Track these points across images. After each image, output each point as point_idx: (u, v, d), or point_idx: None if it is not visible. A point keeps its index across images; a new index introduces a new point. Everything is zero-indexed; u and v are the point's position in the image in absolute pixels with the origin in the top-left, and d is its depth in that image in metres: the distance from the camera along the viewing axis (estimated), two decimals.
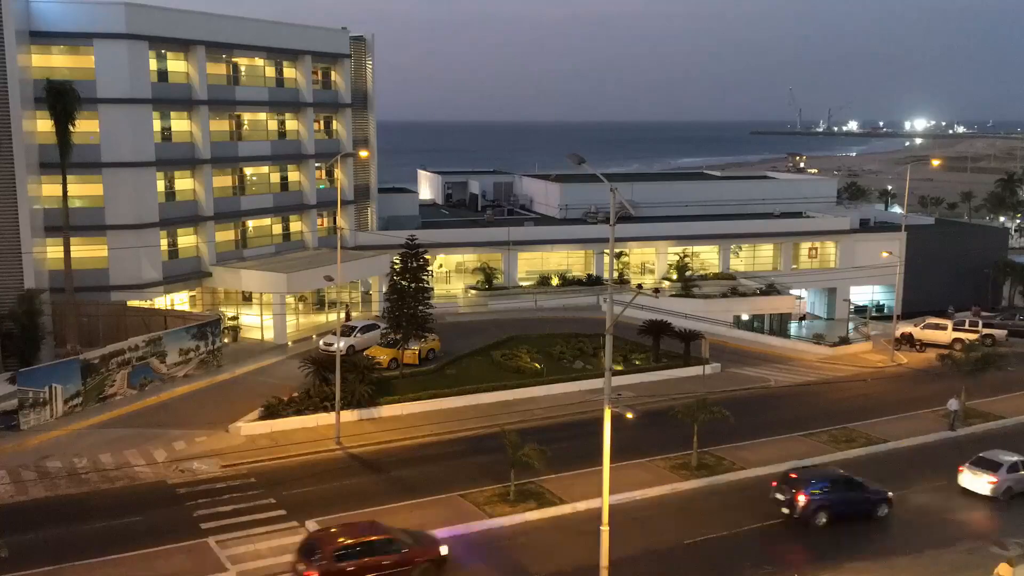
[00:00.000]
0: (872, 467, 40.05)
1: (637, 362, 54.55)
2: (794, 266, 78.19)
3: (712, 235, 76.76)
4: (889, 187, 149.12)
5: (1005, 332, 64.87)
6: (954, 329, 63.80)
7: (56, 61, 51.50)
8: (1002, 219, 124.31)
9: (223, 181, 60.29)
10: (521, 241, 72.59)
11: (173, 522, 32.37)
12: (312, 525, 32.20)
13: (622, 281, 72.92)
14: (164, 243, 55.41)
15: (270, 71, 63.42)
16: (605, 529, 27.95)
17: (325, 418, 42.40)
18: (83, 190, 52.13)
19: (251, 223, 62.71)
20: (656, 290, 69.51)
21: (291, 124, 65.33)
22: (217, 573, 28.83)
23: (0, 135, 47.20)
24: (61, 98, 46.59)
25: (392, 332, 49.79)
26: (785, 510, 33.99)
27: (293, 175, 65.62)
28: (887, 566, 30.99)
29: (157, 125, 55.17)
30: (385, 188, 79.57)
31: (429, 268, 50.86)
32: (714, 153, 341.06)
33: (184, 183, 57.65)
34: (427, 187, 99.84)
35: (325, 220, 67.80)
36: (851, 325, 72.39)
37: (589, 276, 73.55)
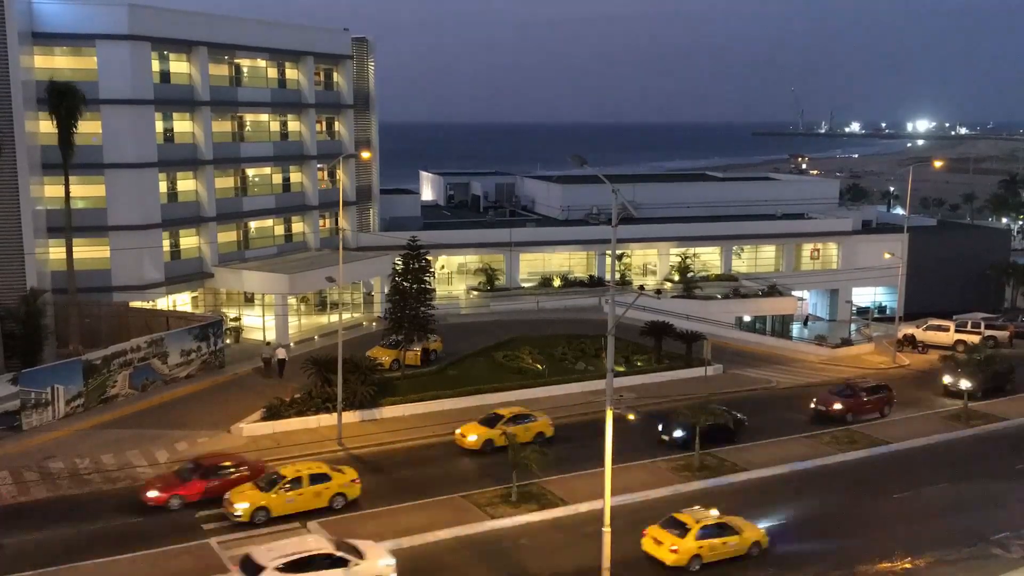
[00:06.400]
0: (875, 469, 40.10)
1: (639, 363, 54.51)
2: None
3: (714, 236, 76.77)
4: (891, 188, 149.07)
5: (1008, 334, 64.77)
6: (956, 331, 63.79)
7: (59, 62, 51.54)
8: (1004, 220, 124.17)
9: (225, 182, 60.29)
10: (523, 242, 72.63)
11: (175, 523, 32.41)
12: (314, 527, 32.21)
13: (624, 282, 72.91)
14: (166, 244, 55.43)
15: (272, 72, 63.46)
16: (607, 530, 27.95)
17: (327, 419, 42.41)
18: (85, 191, 52.12)
19: (253, 224, 62.74)
20: (658, 291, 69.53)
21: (293, 125, 65.34)
22: (219, 574, 28.82)
23: (3, 136, 47.22)
24: (64, 99, 46.63)
25: (394, 333, 49.92)
26: None
27: (295, 176, 65.63)
28: (889, 565, 30.96)
29: (159, 126, 55.18)
30: (387, 189, 79.56)
31: (431, 269, 50.90)
32: (716, 154, 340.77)
33: (186, 184, 57.66)
34: (429, 188, 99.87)
35: (327, 221, 67.82)
36: (853, 326, 72.36)
37: (591, 277, 73.54)
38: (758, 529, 31.82)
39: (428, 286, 50.04)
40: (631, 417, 40.36)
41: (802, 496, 36.93)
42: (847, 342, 65.33)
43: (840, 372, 57.63)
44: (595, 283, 72.50)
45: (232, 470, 34.98)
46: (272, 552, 27.27)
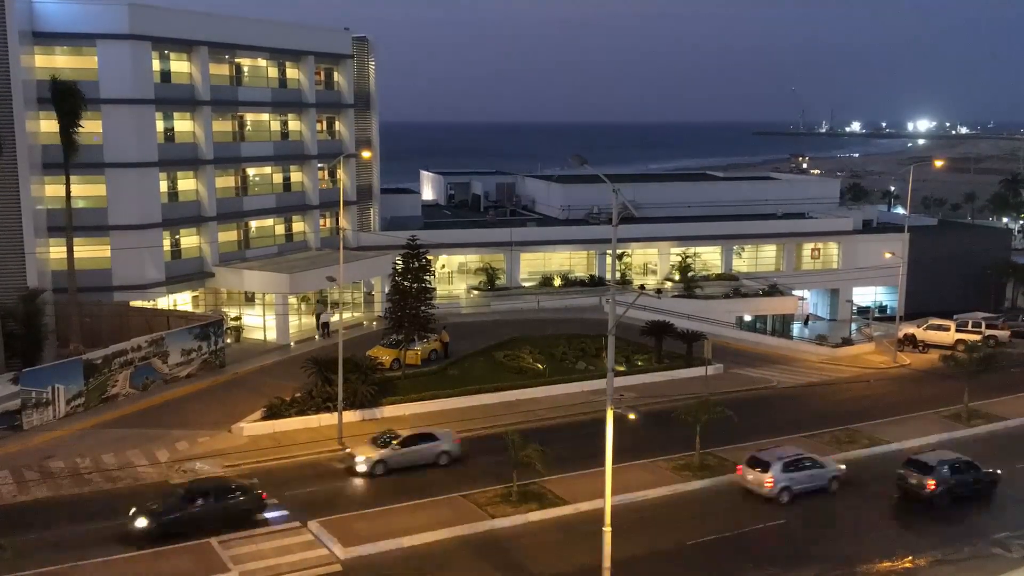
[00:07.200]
0: (875, 468, 40.09)
1: (640, 363, 54.53)
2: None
3: (714, 236, 76.77)
4: (892, 188, 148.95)
5: (1008, 333, 64.81)
6: (957, 330, 63.80)
7: (59, 62, 51.54)
8: (1005, 220, 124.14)
9: (226, 182, 60.31)
10: (523, 242, 72.66)
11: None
12: (315, 526, 32.22)
13: (624, 282, 72.92)
14: (167, 243, 55.46)
15: (272, 72, 63.46)
16: (607, 530, 27.95)
17: (327, 418, 42.42)
18: (86, 190, 52.16)
19: (254, 224, 62.76)
20: (658, 291, 69.48)
21: (294, 125, 65.35)
22: (220, 573, 28.85)
23: (4, 135, 47.24)
24: (66, 98, 46.71)
25: (394, 332, 49.99)
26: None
27: (296, 176, 65.64)
28: (890, 565, 30.97)
29: (160, 125, 55.21)
30: (387, 189, 79.59)
31: (431, 269, 50.90)
32: (716, 154, 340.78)
33: (187, 183, 57.69)
34: (429, 188, 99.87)
35: (327, 221, 67.84)
36: (854, 326, 72.35)
37: (592, 277, 73.56)
38: None
39: (428, 285, 50.07)
40: (632, 417, 40.34)
41: (804, 495, 36.91)
42: (847, 342, 65.31)
43: (840, 371, 57.73)
44: (596, 283, 72.51)
45: None
46: None
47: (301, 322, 59.81)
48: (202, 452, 39.17)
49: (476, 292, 70.77)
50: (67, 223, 47.90)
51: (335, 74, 68.44)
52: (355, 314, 63.02)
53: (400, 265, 49.93)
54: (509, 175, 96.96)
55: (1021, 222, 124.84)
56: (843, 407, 48.97)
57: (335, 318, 53.45)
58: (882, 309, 79.86)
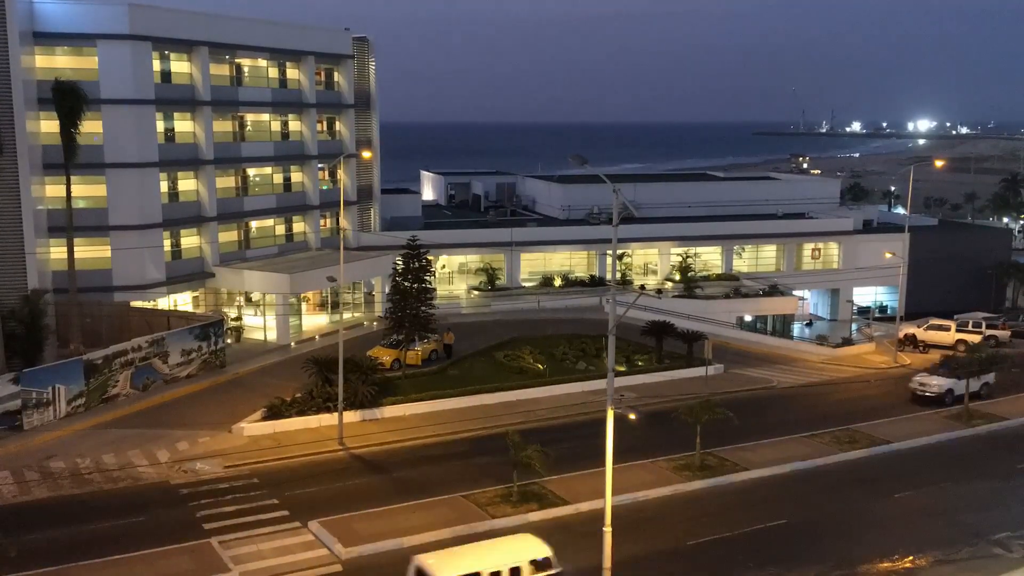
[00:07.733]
0: (875, 468, 40.09)
1: (640, 363, 54.53)
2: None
3: (715, 236, 76.79)
4: (892, 188, 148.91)
5: (1009, 333, 64.84)
6: (957, 330, 63.82)
7: (60, 62, 51.57)
8: (1005, 220, 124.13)
9: (226, 182, 60.34)
10: (524, 242, 72.68)
11: (176, 523, 32.40)
12: (315, 526, 32.23)
13: (625, 282, 72.92)
14: (167, 244, 55.49)
15: (273, 72, 63.48)
16: (608, 530, 27.94)
17: (328, 419, 42.42)
18: (86, 191, 52.18)
19: (254, 224, 62.78)
20: (659, 291, 69.48)
21: (294, 125, 65.36)
22: (220, 574, 28.82)
23: (4, 136, 47.26)
24: (68, 98, 46.73)
25: (394, 332, 50.02)
26: None
27: (296, 176, 65.66)
28: (890, 565, 30.96)
29: (160, 126, 55.23)
30: (388, 189, 79.60)
31: (432, 269, 50.92)
32: (717, 154, 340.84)
33: (187, 184, 57.71)
34: (430, 188, 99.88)
35: (328, 221, 67.86)
36: (854, 326, 72.34)
37: (592, 277, 73.56)
38: None
39: (429, 286, 50.09)
40: (632, 417, 40.34)
41: (804, 495, 36.92)
42: (848, 342, 65.32)
43: (841, 372, 57.74)
44: (596, 283, 72.51)
45: None
46: None
47: (301, 323, 59.76)
48: (202, 452, 39.17)
49: (476, 292, 70.78)
50: (68, 223, 47.92)
51: (335, 74, 68.46)
52: (355, 314, 62.98)
53: (400, 265, 49.96)
54: (509, 175, 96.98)
55: (1021, 222, 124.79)
56: (843, 407, 48.97)
57: (337, 318, 53.45)
58: (882, 309, 79.85)
